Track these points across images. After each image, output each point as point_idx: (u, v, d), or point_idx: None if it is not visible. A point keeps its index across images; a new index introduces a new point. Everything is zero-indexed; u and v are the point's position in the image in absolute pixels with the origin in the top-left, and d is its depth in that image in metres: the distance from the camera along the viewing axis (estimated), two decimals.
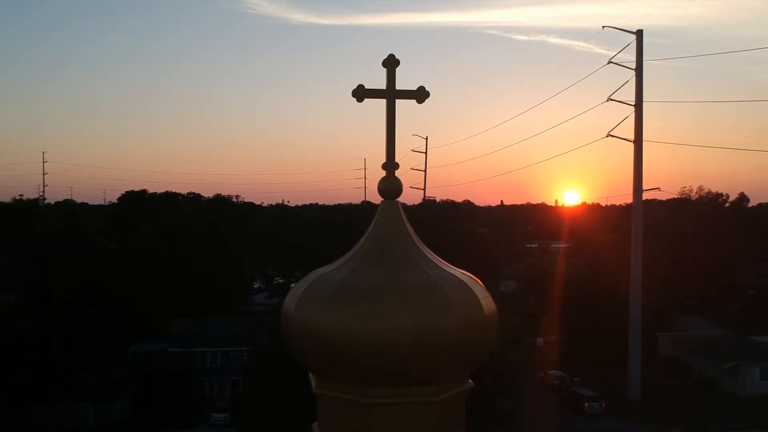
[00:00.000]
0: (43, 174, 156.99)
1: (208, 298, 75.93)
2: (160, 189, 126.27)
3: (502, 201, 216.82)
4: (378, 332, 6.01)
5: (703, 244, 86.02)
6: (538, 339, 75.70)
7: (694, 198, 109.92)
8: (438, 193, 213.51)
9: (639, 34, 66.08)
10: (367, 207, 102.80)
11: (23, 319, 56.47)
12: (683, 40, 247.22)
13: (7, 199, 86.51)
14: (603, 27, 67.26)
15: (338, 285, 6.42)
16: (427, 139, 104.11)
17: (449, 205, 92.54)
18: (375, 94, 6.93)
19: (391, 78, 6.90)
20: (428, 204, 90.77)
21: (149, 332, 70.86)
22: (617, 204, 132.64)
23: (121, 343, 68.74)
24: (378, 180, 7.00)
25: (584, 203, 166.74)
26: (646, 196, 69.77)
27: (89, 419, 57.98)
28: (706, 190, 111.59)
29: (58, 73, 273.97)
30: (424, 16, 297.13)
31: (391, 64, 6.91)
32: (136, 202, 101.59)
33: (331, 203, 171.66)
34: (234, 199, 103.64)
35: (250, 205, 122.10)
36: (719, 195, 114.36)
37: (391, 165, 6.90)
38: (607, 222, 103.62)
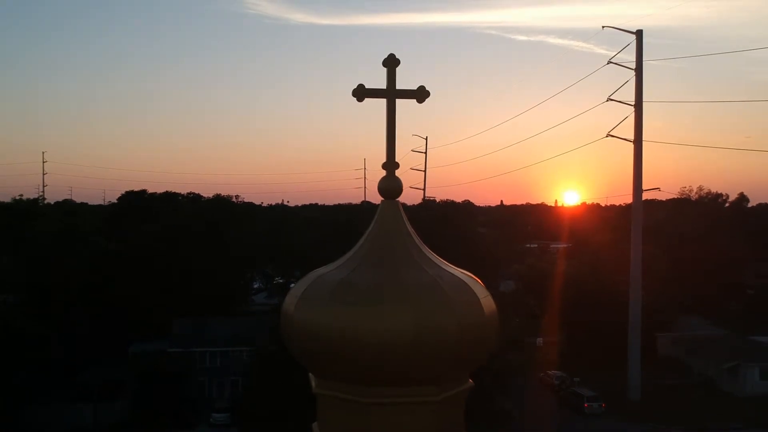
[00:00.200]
0: (43, 174, 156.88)
1: (208, 298, 75.89)
2: (160, 189, 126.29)
3: (501, 201, 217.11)
4: (378, 332, 6.01)
5: (703, 244, 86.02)
6: (538, 339, 75.67)
7: (693, 198, 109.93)
8: (438, 193, 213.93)
9: (639, 34, 66.07)
10: (367, 207, 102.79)
11: (23, 319, 56.39)
12: (683, 40, 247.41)
13: (7, 199, 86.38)
14: (603, 27, 67.32)
15: (338, 285, 6.42)
16: (427, 139, 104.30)
17: (449, 205, 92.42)
18: (375, 93, 6.93)
19: (391, 78, 6.90)
20: (428, 204, 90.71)
21: (149, 332, 70.86)
22: (617, 204, 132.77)
23: (121, 343, 68.74)
24: (378, 180, 7.00)
25: (584, 203, 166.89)
26: (645, 196, 69.83)
27: (89, 419, 57.97)
28: (705, 190, 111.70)
29: (58, 73, 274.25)
30: (424, 16, 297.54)
31: (391, 63, 6.91)
32: (136, 202, 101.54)
33: (331, 203, 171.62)
34: (234, 199, 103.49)
35: (250, 205, 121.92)
36: (719, 195, 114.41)
37: (391, 165, 6.89)
38: (607, 222, 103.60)
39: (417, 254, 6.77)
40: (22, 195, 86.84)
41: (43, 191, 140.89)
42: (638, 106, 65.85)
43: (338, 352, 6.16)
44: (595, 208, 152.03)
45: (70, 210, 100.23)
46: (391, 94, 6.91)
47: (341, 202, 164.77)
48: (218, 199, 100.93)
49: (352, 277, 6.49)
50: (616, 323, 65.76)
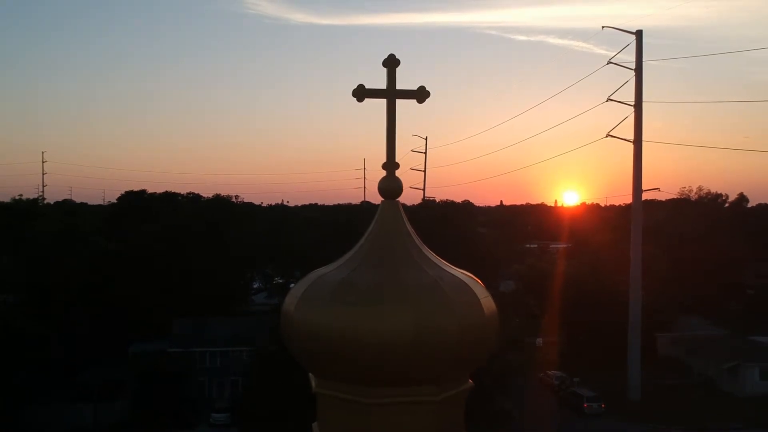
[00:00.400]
0: (43, 174, 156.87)
1: (208, 298, 75.90)
2: (160, 189, 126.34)
3: (501, 201, 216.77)
4: (378, 332, 6.01)
5: (703, 244, 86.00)
6: (538, 339, 75.66)
7: (693, 198, 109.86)
8: (438, 193, 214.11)
9: (639, 34, 66.07)
10: (366, 207, 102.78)
11: (23, 319, 56.38)
12: (683, 40, 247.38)
13: (7, 199, 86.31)
14: (603, 27, 67.32)
15: (338, 285, 6.42)
16: (426, 139, 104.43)
17: (449, 205, 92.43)
18: (375, 93, 6.92)
19: (391, 78, 6.89)
20: (428, 204, 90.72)
21: (149, 332, 70.85)
22: (617, 204, 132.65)
23: (121, 343, 68.74)
24: (378, 180, 6.99)
25: (584, 203, 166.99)
26: (645, 196, 69.84)
27: (89, 419, 57.97)
28: (705, 191, 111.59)
29: (58, 73, 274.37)
30: (424, 16, 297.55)
31: (391, 64, 6.90)
32: (136, 202, 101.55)
33: (331, 203, 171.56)
34: (234, 199, 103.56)
35: (250, 205, 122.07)
36: (719, 195, 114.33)
37: (391, 165, 6.89)
38: (607, 222, 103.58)
39: (417, 254, 6.77)
40: (21, 195, 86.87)
41: (42, 191, 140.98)
42: (638, 107, 65.86)
43: (338, 352, 6.16)
44: (595, 208, 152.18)
45: (70, 210, 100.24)
46: (391, 94, 6.90)
47: (341, 202, 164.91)
48: (218, 199, 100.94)
49: (353, 277, 6.48)
50: (616, 323, 65.76)
